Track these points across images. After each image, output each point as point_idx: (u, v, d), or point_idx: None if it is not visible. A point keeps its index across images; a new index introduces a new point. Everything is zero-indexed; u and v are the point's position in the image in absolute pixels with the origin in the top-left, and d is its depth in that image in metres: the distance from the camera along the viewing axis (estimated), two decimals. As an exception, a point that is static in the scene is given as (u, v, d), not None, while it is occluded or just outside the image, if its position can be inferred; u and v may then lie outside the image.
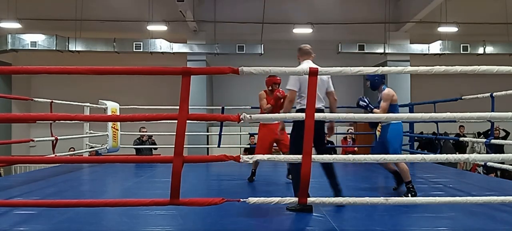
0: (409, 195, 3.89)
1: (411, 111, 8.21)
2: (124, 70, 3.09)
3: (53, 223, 3.12)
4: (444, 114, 2.89)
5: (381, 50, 10.89)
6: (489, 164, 5.38)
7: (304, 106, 3.17)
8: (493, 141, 5.40)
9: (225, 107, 8.05)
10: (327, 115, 3.38)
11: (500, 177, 7.87)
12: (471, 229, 3.08)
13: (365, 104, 4.14)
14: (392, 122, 3.99)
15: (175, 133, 2.75)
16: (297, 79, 3.58)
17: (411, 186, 3.96)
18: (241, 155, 2.83)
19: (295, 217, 3.27)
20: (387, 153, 3.87)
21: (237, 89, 12.36)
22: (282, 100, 4.81)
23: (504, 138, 9.90)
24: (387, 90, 4.09)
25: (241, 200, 2.87)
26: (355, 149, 9.75)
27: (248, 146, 9.84)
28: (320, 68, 2.80)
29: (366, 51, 10.93)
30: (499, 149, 7.25)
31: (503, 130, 10.01)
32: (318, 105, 3.52)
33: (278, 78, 5.14)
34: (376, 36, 11.01)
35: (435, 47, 10.87)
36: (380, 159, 2.98)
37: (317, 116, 2.82)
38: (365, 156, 2.92)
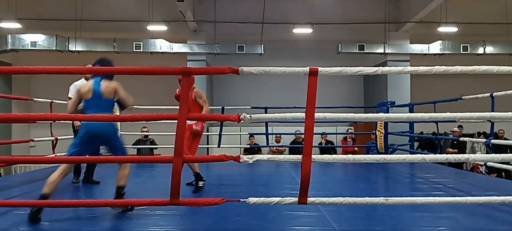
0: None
1: (411, 111, 8.21)
2: (124, 70, 3.10)
3: (53, 223, 3.12)
4: (444, 115, 2.89)
5: (381, 50, 10.89)
6: (489, 164, 5.38)
7: None
8: (493, 141, 5.39)
9: (225, 107, 8.05)
10: (327, 115, 3.37)
11: (499, 177, 7.88)
12: (471, 229, 3.08)
13: None
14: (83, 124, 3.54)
15: (175, 133, 2.75)
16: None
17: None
18: (241, 155, 2.83)
19: (295, 217, 3.27)
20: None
21: (237, 89, 12.36)
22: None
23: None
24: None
25: (241, 200, 2.86)
26: (355, 149, 9.75)
27: (248, 146, 9.85)
28: (320, 69, 2.80)
29: (366, 51, 10.93)
30: (500, 150, 7.24)
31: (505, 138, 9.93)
32: None
33: None
34: (376, 36, 11.01)
35: (435, 47, 10.87)
36: (380, 159, 2.98)
37: (317, 116, 2.82)
38: (365, 156, 2.92)
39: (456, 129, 9.15)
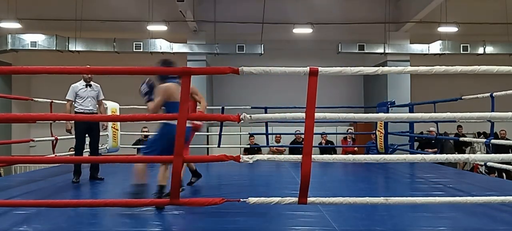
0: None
1: (411, 111, 8.21)
2: (124, 70, 3.10)
3: (53, 223, 3.12)
4: (444, 115, 2.89)
5: (381, 50, 10.89)
6: (489, 164, 5.38)
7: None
8: (493, 141, 5.39)
9: (225, 107, 8.04)
10: (327, 115, 3.37)
11: (499, 177, 7.88)
12: (471, 229, 3.08)
13: (145, 91, 3.82)
14: (166, 122, 3.58)
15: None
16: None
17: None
18: (241, 155, 2.83)
19: (295, 217, 3.27)
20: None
21: (237, 89, 12.35)
22: None
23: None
24: (163, 86, 3.73)
25: (241, 200, 2.86)
26: (355, 149, 9.75)
27: (248, 146, 9.85)
28: (320, 69, 2.80)
29: (366, 51, 10.93)
30: (500, 150, 7.25)
31: (507, 138, 9.92)
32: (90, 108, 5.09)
33: None
34: (376, 36, 11.01)
35: (435, 47, 10.87)
36: (380, 159, 2.97)
37: (317, 116, 2.82)
38: (365, 156, 2.92)
39: (432, 129, 9.15)
